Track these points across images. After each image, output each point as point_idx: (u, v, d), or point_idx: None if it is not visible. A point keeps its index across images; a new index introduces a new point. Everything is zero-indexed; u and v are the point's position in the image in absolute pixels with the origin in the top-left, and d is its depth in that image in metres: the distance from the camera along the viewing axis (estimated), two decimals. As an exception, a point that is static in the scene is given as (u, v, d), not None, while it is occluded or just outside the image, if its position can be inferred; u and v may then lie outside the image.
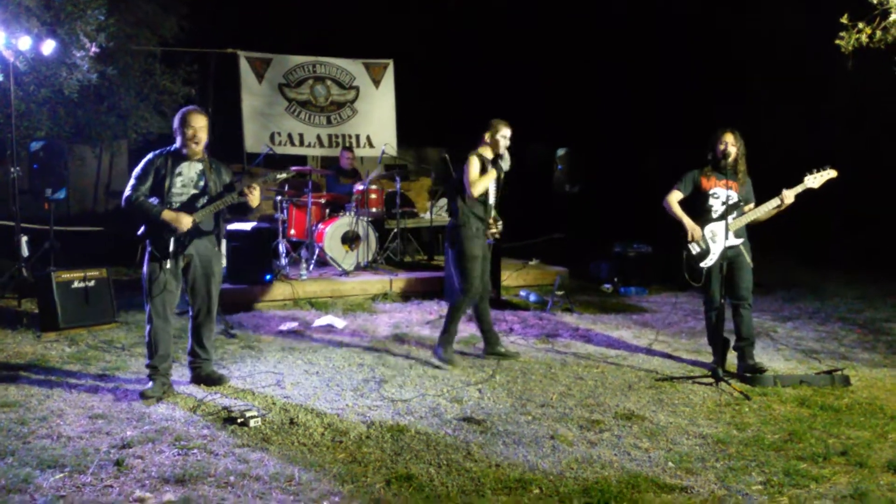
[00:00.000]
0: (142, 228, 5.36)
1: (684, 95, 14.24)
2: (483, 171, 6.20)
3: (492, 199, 6.37)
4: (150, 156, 5.42)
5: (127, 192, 5.31)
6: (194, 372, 5.59)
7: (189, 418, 4.80)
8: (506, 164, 6.31)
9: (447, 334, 6.34)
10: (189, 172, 5.41)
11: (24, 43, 7.70)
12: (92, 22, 8.75)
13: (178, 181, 5.36)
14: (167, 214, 5.24)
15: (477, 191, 6.13)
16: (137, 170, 5.37)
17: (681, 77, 14.51)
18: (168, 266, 5.28)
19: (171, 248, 5.27)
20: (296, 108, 12.39)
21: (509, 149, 6.34)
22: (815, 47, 9.16)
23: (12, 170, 7.86)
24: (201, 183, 5.43)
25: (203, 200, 5.40)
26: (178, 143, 5.41)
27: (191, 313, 5.56)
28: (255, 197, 5.39)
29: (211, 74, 12.40)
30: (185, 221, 5.26)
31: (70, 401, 5.09)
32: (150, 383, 5.27)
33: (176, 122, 5.41)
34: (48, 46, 7.94)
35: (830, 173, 5.85)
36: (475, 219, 6.24)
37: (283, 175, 5.74)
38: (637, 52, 15.24)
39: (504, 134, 6.29)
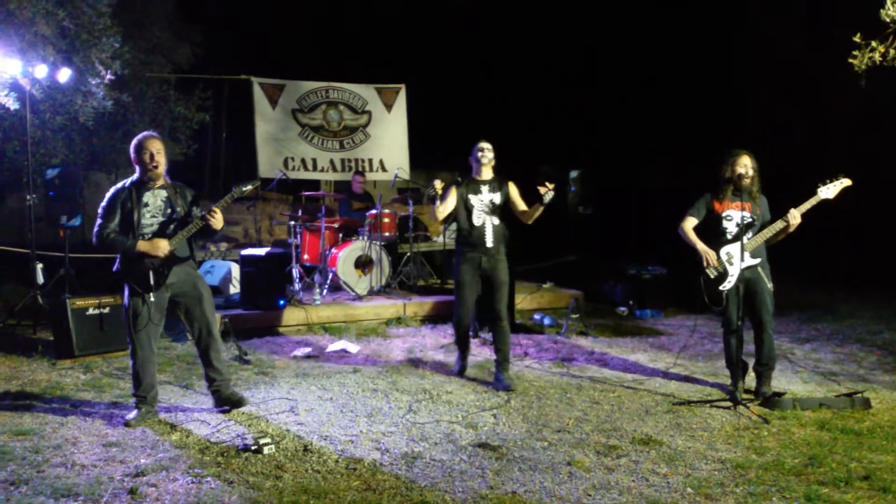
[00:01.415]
0: (116, 265, 5.28)
1: (695, 114, 14.22)
2: (454, 196, 6.39)
3: (481, 220, 6.35)
4: (112, 190, 5.31)
5: (95, 229, 5.21)
6: (215, 396, 5.54)
7: (203, 446, 4.78)
8: (493, 195, 6.38)
9: (457, 353, 6.79)
10: (156, 201, 5.32)
11: (41, 71, 7.77)
12: (107, 49, 8.85)
13: (146, 212, 5.27)
14: (142, 245, 5.17)
15: (437, 216, 6.37)
16: (102, 206, 5.27)
17: (691, 97, 14.50)
18: (152, 299, 5.24)
19: (152, 280, 5.22)
20: (309, 133, 12.46)
21: (496, 169, 6.49)
22: (820, 61, 9.15)
23: (28, 197, 7.91)
24: (168, 210, 5.35)
25: (173, 226, 5.33)
26: (138, 173, 5.32)
27: (194, 341, 5.52)
28: (217, 220, 5.27)
29: (225, 100, 12.53)
30: (163, 246, 5.20)
31: (84, 429, 5.08)
32: (136, 412, 5.25)
33: (132, 151, 5.32)
34: (64, 74, 8.02)
35: (845, 182, 5.75)
36: (463, 244, 6.40)
37: (249, 187, 5.62)
38: (646, 71, 15.26)
39: (478, 147, 6.45)
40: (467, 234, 6.36)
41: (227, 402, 5.51)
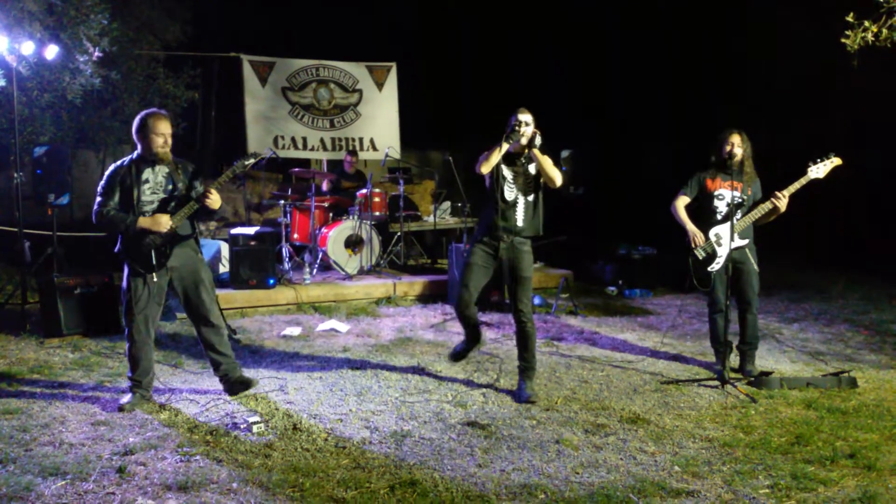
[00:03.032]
0: (118, 245, 5.19)
1: (687, 95, 14.21)
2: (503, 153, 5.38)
3: (513, 196, 5.45)
4: (111, 168, 5.19)
5: (95, 208, 5.10)
6: (224, 381, 5.39)
7: (192, 424, 4.78)
8: (529, 165, 5.49)
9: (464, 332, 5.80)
10: (156, 177, 5.19)
11: (28, 48, 7.68)
12: (95, 26, 8.75)
13: (147, 188, 5.15)
14: (143, 221, 5.06)
15: (480, 167, 5.37)
16: (102, 184, 5.15)
17: (684, 77, 14.48)
18: (155, 279, 5.13)
19: (155, 260, 5.10)
20: (299, 111, 12.39)
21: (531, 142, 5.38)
22: (817, 43, 9.13)
23: (15, 175, 7.84)
24: (169, 186, 5.22)
25: (174, 203, 5.20)
26: (140, 150, 5.16)
27: (194, 327, 5.40)
28: (213, 200, 5.15)
29: (214, 78, 12.44)
30: (164, 221, 5.07)
31: (72, 407, 5.07)
32: (130, 395, 5.15)
33: (137, 128, 5.14)
34: (51, 51, 7.92)
35: (835, 161, 5.72)
36: (485, 225, 5.53)
37: (251, 161, 5.49)
38: (640, 53, 15.22)
39: (517, 119, 5.42)
40: (494, 212, 5.41)
41: (237, 384, 5.36)
